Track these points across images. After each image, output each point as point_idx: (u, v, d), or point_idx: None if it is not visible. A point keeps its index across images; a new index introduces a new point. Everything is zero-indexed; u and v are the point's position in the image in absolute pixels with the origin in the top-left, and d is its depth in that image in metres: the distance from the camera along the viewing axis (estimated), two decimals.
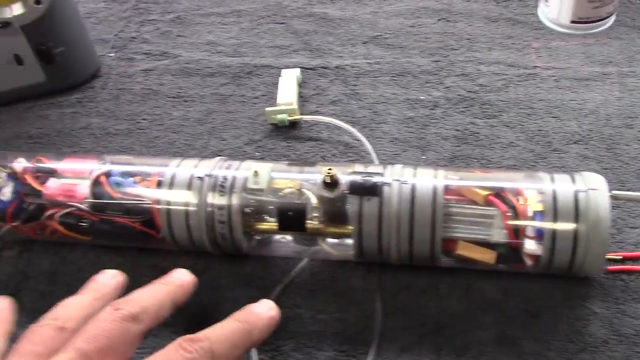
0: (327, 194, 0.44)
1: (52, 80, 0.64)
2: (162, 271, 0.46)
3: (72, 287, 0.37)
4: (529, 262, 0.44)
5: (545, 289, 0.45)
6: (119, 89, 0.65)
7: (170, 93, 0.64)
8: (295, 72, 0.62)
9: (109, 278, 0.38)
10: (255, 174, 0.45)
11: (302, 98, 0.61)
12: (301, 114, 0.58)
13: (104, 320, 0.32)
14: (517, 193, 0.43)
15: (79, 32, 0.63)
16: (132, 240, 0.48)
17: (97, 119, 0.62)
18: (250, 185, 0.45)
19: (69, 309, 0.34)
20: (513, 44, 0.64)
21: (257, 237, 0.48)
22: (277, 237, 0.48)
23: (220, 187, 0.45)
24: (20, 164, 0.50)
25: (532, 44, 0.64)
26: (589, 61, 0.61)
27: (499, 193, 0.43)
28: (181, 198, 0.46)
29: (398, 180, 0.44)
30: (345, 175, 0.45)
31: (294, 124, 0.58)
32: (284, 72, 0.62)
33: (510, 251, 0.44)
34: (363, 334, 0.44)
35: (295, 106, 0.58)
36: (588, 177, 0.43)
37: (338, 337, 0.44)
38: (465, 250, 0.44)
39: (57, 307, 0.34)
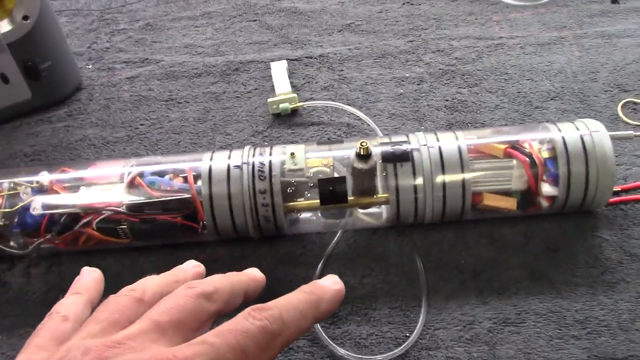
0: (361, 165, 0.48)
1: (38, 97, 0.63)
2: (204, 263, 0.48)
3: (114, 292, 0.35)
4: (545, 204, 0.49)
5: (559, 227, 0.50)
6: (107, 99, 0.65)
7: (161, 97, 0.65)
8: (283, 64, 0.65)
9: (191, 267, 0.39)
10: (292, 155, 0.48)
11: (294, 87, 0.64)
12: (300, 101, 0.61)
13: (179, 296, 0.32)
14: (527, 144, 0.49)
15: (62, 46, 0.63)
16: (173, 236, 0.50)
17: (92, 129, 0.62)
18: (289, 166, 0.48)
19: (148, 283, 0.35)
20: (476, 19, 0.70)
21: (291, 218, 0.51)
22: (307, 215, 0.51)
23: (260, 171, 0.48)
24: (45, 176, 0.50)
25: (492, 17, 0.70)
26: (545, 28, 0.68)
27: (514, 145, 0.48)
28: (222, 188, 0.47)
29: (425, 145, 0.48)
30: (374, 147, 0.48)
31: (293, 112, 0.61)
32: (272, 64, 0.65)
33: (528, 196, 0.49)
34: (410, 289, 0.47)
35: (294, 94, 0.61)
36: (587, 122, 0.49)
37: (388, 296, 0.47)
38: (490, 201, 0.48)
39: (137, 282, 0.35)
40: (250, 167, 0.48)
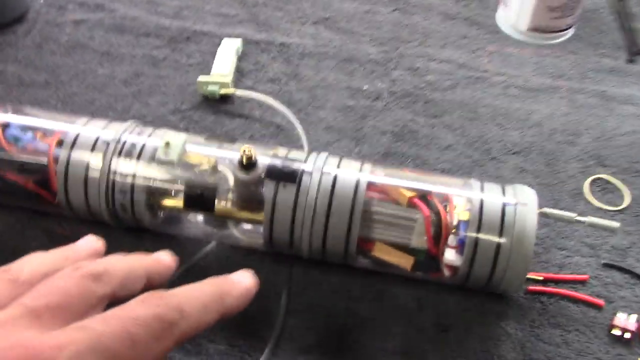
0: (242, 175, 0.41)
1: None
2: (56, 238, 0.43)
3: None
4: (447, 272, 0.41)
5: (460, 303, 0.42)
6: (44, 38, 0.60)
7: (98, 49, 0.59)
8: (237, 43, 0.58)
9: (85, 242, 0.33)
10: (167, 145, 0.41)
11: (240, 72, 0.57)
12: (235, 88, 0.54)
13: (61, 277, 0.28)
14: (445, 199, 0.41)
15: None
16: (25, 200, 0.44)
17: (13, 66, 0.57)
18: (160, 156, 0.41)
19: (28, 262, 0.30)
20: (467, 44, 0.61)
21: (163, 214, 0.44)
22: (187, 216, 0.45)
23: (127, 153, 0.41)
24: None
25: (486, 47, 0.61)
26: (540, 72, 0.59)
27: (424, 196, 0.40)
28: (82, 160, 0.41)
29: (320, 170, 0.41)
30: (266, 157, 0.41)
31: (226, 98, 0.54)
32: (224, 40, 0.58)
33: (429, 259, 0.41)
34: (262, 330, 0.40)
35: (229, 79, 0.54)
36: (520, 190, 0.41)
37: (234, 331, 0.40)
38: (382, 253, 0.41)
39: (17, 261, 0.30)
40: (120, 145, 0.42)
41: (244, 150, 0.40)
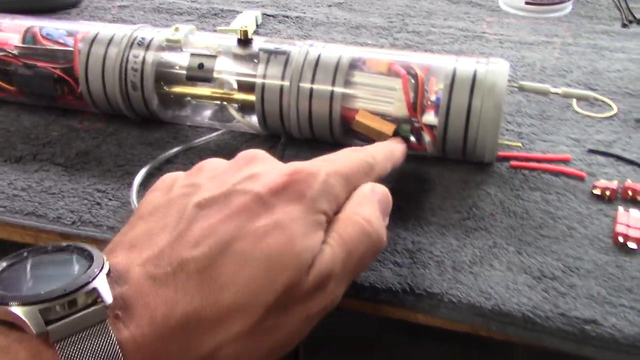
0: (239, 51, 0.45)
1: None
2: (76, 132, 0.48)
3: None
4: (427, 138, 0.43)
5: (442, 174, 0.44)
6: (92, 17, 0.68)
7: (137, 22, 0.67)
8: (256, 13, 0.65)
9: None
10: (176, 29, 0.47)
11: (257, 34, 0.63)
12: None
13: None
14: (426, 69, 0.43)
15: None
16: (51, 89, 0.49)
17: None
18: (169, 36, 0.47)
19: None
20: (468, 17, 0.66)
21: (174, 107, 0.49)
22: (198, 111, 0.49)
23: (141, 39, 0.47)
24: None
25: (485, 18, 0.66)
26: (536, 33, 0.63)
27: (407, 65, 0.43)
28: (101, 49, 0.47)
29: (308, 45, 0.45)
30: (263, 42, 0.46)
31: None
32: (245, 11, 0.65)
33: (411, 131, 0.43)
34: None
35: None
36: (494, 59, 0.43)
37: None
38: (364, 118, 0.44)
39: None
40: (134, 38, 0.47)
41: (241, 29, 0.45)
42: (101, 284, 0.24)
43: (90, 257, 0.26)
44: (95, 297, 0.24)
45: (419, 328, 0.36)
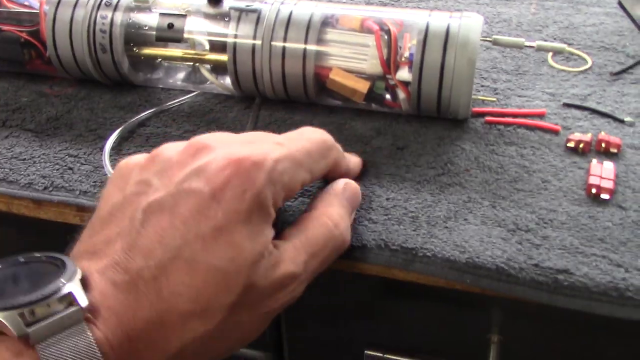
0: (209, 10, 0.45)
1: None
2: (46, 97, 0.47)
3: None
4: (401, 95, 0.43)
5: (417, 131, 0.43)
6: None
7: None
8: None
9: None
10: None
11: None
12: None
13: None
14: (400, 25, 0.43)
15: None
16: (19, 54, 0.48)
17: None
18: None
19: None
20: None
21: (145, 69, 0.48)
22: (170, 73, 0.49)
23: (107, 3, 0.46)
24: None
25: None
26: None
27: (380, 21, 0.43)
28: (68, 10, 0.46)
29: (279, 3, 0.44)
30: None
31: None
32: None
33: (385, 89, 0.43)
34: None
35: None
36: (467, 14, 0.43)
37: None
38: (338, 76, 0.43)
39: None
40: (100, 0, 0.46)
41: None
42: (75, 288, 0.26)
43: (63, 264, 0.27)
44: (70, 300, 0.26)
45: (396, 285, 0.36)
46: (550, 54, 0.51)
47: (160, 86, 0.48)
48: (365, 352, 0.45)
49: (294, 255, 0.30)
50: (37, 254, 0.28)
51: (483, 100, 0.46)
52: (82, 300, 0.26)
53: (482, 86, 0.48)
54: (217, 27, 0.45)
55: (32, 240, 0.46)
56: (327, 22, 0.43)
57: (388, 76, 0.43)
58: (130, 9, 0.45)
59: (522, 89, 0.47)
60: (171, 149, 0.32)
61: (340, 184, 0.35)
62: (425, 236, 0.35)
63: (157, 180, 0.30)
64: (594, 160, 0.39)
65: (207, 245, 0.28)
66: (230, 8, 0.44)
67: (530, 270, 0.33)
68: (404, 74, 0.42)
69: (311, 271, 0.31)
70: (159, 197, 0.29)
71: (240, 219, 0.29)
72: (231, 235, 0.28)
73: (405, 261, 0.35)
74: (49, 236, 0.39)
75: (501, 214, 0.37)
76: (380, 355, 0.44)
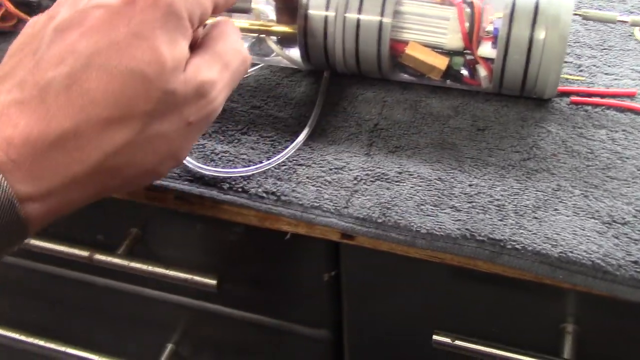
0: None
1: None
2: None
3: None
4: (482, 72, 0.40)
5: (498, 111, 0.41)
6: None
7: None
8: None
9: None
10: None
11: None
12: None
13: None
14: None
15: None
16: None
17: None
18: None
19: None
20: None
21: None
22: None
23: None
24: None
25: None
26: None
27: None
28: None
29: None
30: None
31: None
32: None
33: (465, 65, 0.41)
34: (293, 127, 0.41)
35: None
36: None
37: (266, 127, 0.41)
38: (414, 51, 0.41)
39: None
40: None
41: None
42: None
43: None
44: None
45: (470, 273, 0.34)
46: (638, 27, 0.47)
47: None
48: (434, 337, 0.43)
49: (209, 64, 0.30)
50: None
51: (567, 79, 0.43)
52: None
53: (565, 62, 0.45)
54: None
55: None
56: None
57: (468, 51, 0.40)
58: None
59: (609, 66, 0.44)
60: None
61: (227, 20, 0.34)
62: (513, 227, 0.33)
63: (65, 9, 0.29)
64: None
65: (122, 51, 0.27)
66: None
67: (630, 268, 0.31)
68: (486, 49, 0.39)
69: (226, 82, 0.31)
70: (67, 15, 0.28)
71: (157, 25, 0.28)
72: (148, 41, 0.27)
73: (493, 253, 0.33)
74: None
75: (594, 205, 0.34)
76: (450, 341, 0.43)
